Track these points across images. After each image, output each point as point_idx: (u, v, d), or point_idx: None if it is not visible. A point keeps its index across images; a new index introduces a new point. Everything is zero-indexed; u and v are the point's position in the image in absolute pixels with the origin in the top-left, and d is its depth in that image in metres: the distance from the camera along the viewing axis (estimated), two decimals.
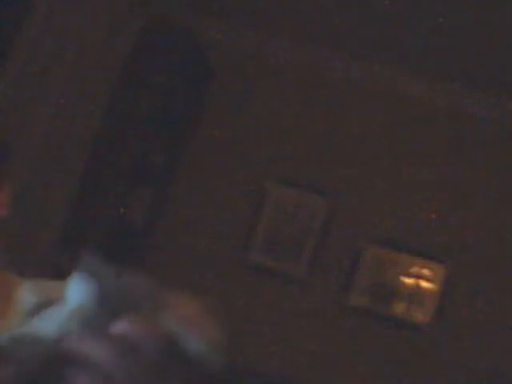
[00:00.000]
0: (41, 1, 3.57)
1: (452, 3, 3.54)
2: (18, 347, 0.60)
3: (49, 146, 3.76)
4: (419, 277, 4.30)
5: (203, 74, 4.49)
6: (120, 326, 0.58)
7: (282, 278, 4.43)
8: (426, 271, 4.30)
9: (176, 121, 4.35)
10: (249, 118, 4.54)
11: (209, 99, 4.52)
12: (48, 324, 0.62)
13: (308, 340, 4.34)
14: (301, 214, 4.45)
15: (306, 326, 4.35)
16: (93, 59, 4.01)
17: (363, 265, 4.36)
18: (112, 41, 4.12)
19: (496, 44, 3.74)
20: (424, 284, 4.30)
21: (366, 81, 4.47)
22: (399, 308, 4.31)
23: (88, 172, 4.07)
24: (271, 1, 4.15)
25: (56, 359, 0.58)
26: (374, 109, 4.48)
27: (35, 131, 3.72)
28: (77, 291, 0.61)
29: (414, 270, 4.31)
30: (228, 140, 4.53)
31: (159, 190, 4.45)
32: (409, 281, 4.31)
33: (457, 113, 4.40)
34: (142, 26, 4.23)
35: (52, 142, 3.79)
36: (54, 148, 3.80)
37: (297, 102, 4.53)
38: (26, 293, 0.70)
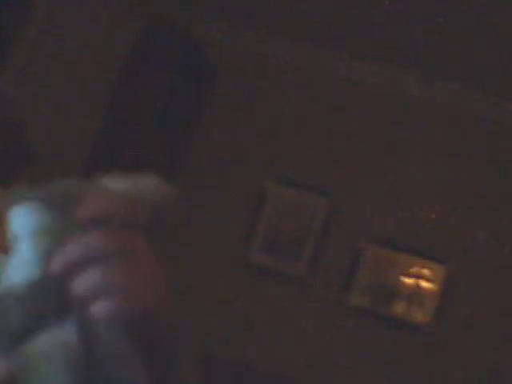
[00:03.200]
0: (41, 1, 3.57)
1: (452, 3, 3.54)
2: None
3: (49, 146, 3.76)
4: (419, 277, 4.30)
5: (203, 74, 4.49)
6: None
7: (282, 278, 4.43)
8: (426, 271, 4.30)
9: (176, 121, 4.35)
10: (249, 118, 4.54)
11: (209, 99, 4.52)
12: (12, 273, 0.60)
13: (308, 340, 4.34)
14: (301, 213, 4.45)
15: (306, 325, 4.35)
16: (93, 59, 4.01)
17: (363, 265, 4.36)
18: (112, 41, 4.12)
19: (496, 44, 3.74)
20: (424, 284, 4.30)
21: (366, 81, 4.47)
22: (399, 308, 4.31)
23: (88, 172, 4.06)
24: (271, 1, 4.15)
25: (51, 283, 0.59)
26: (374, 109, 4.48)
27: (35, 131, 3.71)
28: (20, 223, 0.60)
29: (414, 269, 4.31)
30: (228, 140, 4.53)
31: None
32: (409, 281, 4.31)
33: (457, 113, 4.40)
34: (141, 25, 4.23)
35: (52, 141, 3.79)
36: (54, 148, 3.80)
37: (297, 102, 4.53)
38: None
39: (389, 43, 4.13)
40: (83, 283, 0.58)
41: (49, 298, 0.58)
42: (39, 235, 0.59)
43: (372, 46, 4.25)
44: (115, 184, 0.63)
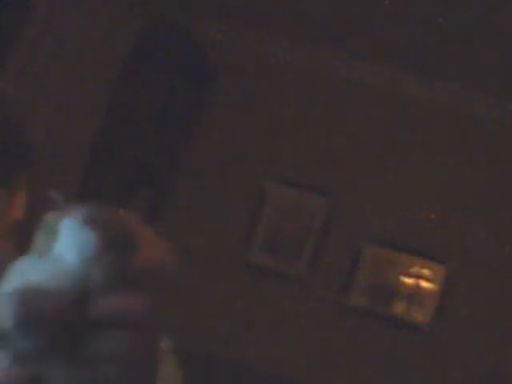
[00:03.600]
0: (41, 1, 3.57)
1: (452, 3, 3.54)
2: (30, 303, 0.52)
3: (49, 146, 3.76)
4: (419, 277, 4.30)
5: (203, 74, 4.49)
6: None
7: (282, 278, 4.43)
8: (426, 271, 4.30)
9: (176, 121, 4.35)
10: (249, 117, 4.54)
11: (209, 99, 4.52)
12: (56, 274, 0.54)
13: (308, 340, 4.34)
14: (301, 213, 4.45)
15: (306, 325, 4.35)
16: (93, 59, 4.01)
17: (363, 265, 4.36)
18: (112, 41, 4.12)
19: (496, 44, 3.74)
20: (424, 284, 4.30)
21: (366, 81, 4.47)
22: (399, 308, 4.31)
23: (88, 172, 4.07)
24: (271, 1, 4.15)
25: (81, 321, 0.52)
26: (374, 109, 4.48)
27: (35, 131, 3.71)
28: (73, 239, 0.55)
29: (414, 269, 4.31)
30: (228, 140, 4.53)
31: (159, 190, 4.45)
32: (409, 281, 4.31)
33: (457, 113, 4.40)
34: (141, 25, 4.24)
35: (52, 141, 3.79)
36: (54, 148, 3.80)
37: (297, 102, 4.53)
38: None
39: (389, 43, 4.13)
40: (108, 341, 0.52)
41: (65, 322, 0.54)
42: (82, 258, 0.55)
43: (372, 45, 4.25)
44: None
